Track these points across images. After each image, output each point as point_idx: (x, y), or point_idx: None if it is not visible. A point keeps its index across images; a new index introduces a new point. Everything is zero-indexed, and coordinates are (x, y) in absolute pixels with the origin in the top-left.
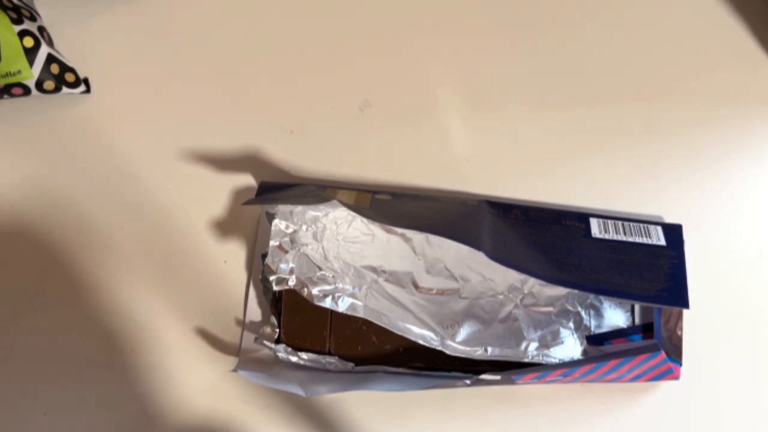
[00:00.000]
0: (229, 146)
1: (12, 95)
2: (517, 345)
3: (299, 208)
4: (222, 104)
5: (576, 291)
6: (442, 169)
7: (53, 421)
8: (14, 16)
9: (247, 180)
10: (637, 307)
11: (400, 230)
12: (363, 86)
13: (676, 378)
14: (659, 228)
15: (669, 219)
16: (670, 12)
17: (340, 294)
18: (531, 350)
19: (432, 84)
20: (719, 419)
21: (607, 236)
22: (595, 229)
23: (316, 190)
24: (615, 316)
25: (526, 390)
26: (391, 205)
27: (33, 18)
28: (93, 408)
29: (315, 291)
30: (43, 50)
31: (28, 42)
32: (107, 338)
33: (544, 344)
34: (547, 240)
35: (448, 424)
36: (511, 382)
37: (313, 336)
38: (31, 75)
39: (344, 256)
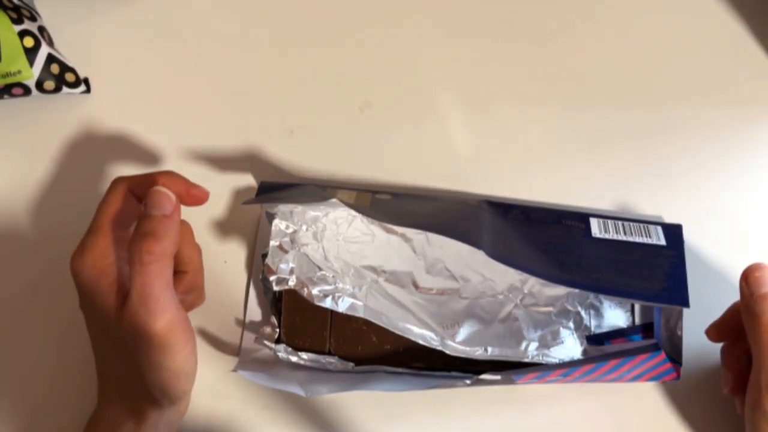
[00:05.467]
0: (229, 146)
1: (12, 95)
2: (517, 345)
3: (299, 208)
4: (222, 104)
5: (576, 291)
6: (442, 169)
7: (53, 421)
8: (14, 16)
9: (247, 180)
10: (637, 307)
11: (400, 230)
12: (363, 86)
13: (676, 378)
14: (659, 228)
15: (669, 219)
16: (670, 12)
17: (340, 294)
18: (531, 350)
19: (432, 84)
20: (719, 419)
21: (607, 236)
22: (595, 228)
23: (317, 190)
24: (615, 316)
25: (526, 390)
26: (391, 205)
27: (33, 18)
28: (93, 408)
29: (315, 291)
30: (43, 50)
31: (28, 42)
32: None
33: (544, 344)
34: (547, 239)
35: (448, 423)
36: (511, 382)
37: (313, 336)
38: (31, 75)
39: (344, 256)
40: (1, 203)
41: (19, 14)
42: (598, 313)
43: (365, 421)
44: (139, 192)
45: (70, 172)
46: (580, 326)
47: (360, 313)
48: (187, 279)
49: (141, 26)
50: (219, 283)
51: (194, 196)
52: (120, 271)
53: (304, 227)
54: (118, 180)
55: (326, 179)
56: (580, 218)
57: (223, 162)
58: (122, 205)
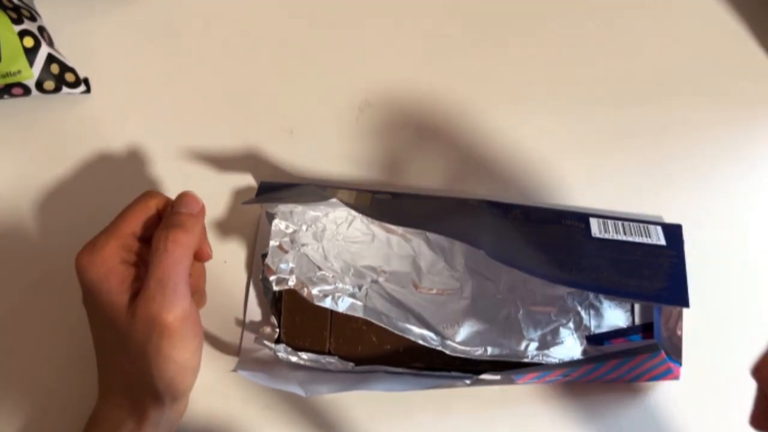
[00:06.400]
0: (229, 146)
1: (12, 95)
2: (517, 345)
3: (299, 208)
4: (222, 104)
5: (576, 290)
6: (442, 170)
7: (53, 421)
8: (14, 16)
9: (247, 180)
10: (637, 307)
11: (400, 230)
12: (363, 86)
13: (676, 378)
14: (659, 228)
15: (669, 219)
16: (670, 13)
17: (340, 294)
18: (531, 350)
19: (432, 84)
20: (719, 419)
21: (607, 236)
22: (595, 228)
23: (317, 190)
24: (615, 316)
25: (526, 390)
26: (391, 205)
27: (33, 18)
28: (93, 407)
29: (315, 291)
30: (43, 50)
31: (28, 42)
32: None
33: (544, 344)
34: (547, 239)
35: (448, 423)
36: (511, 382)
37: (313, 336)
38: (31, 75)
39: (344, 256)
40: (1, 203)
41: (19, 14)
42: (598, 313)
43: (365, 421)
44: (165, 212)
45: (70, 172)
46: (580, 326)
47: (360, 313)
48: (189, 282)
49: (141, 26)
50: (219, 283)
51: (201, 249)
52: (128, 271)
53: (304, 227)
54: (151, 193)
55: (326, 179)
56: (580, 218)
57: (223, 162)
58: (145, 216)
